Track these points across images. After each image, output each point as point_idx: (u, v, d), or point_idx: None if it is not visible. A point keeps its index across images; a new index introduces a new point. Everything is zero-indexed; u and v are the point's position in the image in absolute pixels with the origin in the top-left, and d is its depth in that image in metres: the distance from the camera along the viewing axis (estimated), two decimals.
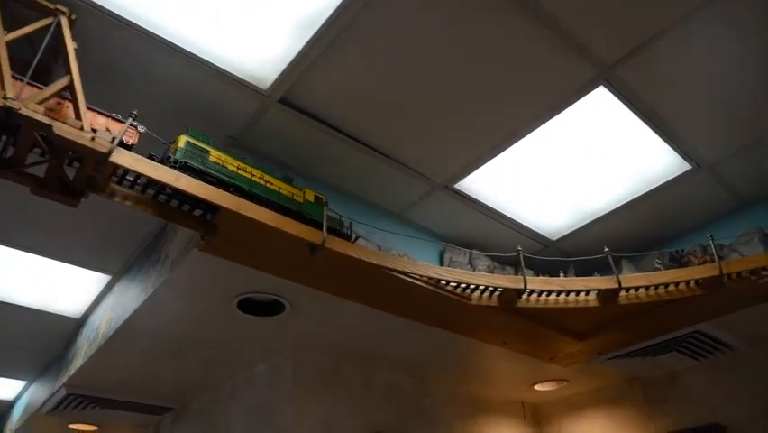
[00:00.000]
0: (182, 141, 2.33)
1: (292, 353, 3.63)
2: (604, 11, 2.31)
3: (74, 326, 4.49)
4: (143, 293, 3.13)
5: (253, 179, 2.50)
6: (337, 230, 2.69)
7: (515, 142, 2.94)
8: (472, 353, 3.86)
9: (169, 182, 2.19)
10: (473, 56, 2.48)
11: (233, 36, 2.37)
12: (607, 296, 3.12)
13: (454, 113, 2.77)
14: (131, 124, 2.16)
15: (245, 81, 2.55)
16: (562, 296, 3.13)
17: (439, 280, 2.89)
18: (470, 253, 3.54)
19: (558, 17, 2.31)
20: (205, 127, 2.74)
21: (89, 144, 1.98)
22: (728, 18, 2.36)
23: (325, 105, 2.71)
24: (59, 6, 2.18)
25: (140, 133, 2.20)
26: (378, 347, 3.73)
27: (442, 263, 3.50)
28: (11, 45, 1.98)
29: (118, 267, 3.81)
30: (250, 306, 3.15)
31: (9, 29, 2.02)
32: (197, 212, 2.42)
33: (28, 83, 1.97)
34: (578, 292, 3.12)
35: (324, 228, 2.54)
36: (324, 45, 2.38)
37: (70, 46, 2.08)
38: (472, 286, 2.97)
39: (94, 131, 2.03)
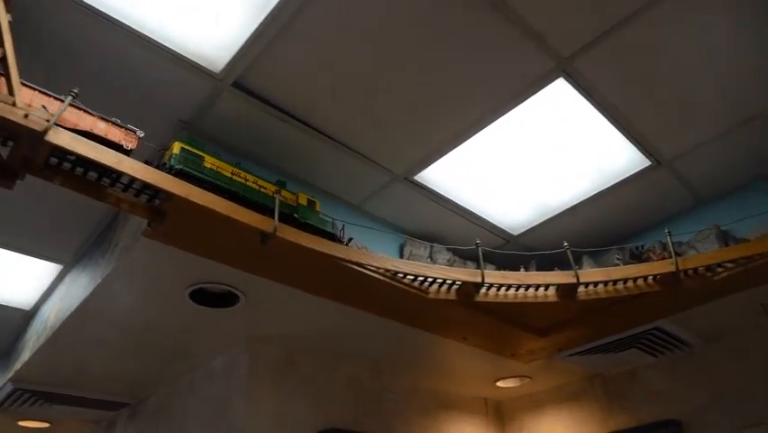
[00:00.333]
0: (177, 147, 2.35)
1: (248, 346, 3.56)
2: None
3: (24, 317, 4.33)
4: (92, 283, 3.03)
5: (247, 183, 2.54)
6: (290, 216, 2.64)
7: (474, 133, 2.90)
8: (433, 348, 3.83)
9: (111, 165, 2.10)
10: (431, 44, 2.43)
11: (183, 16, 2.28)
12: (565, 291, 3.11)
13: (413, 102, 2.72)
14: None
15: (197, 63, 2.46)
16: (521, 291, 3.11)
17: (396, 273, 2.84)
18: (431, 246, 3.50)
19: (515, 6, 2.27)
20: (156, 111, 2.68)
21: (22, 122, 1.88)
22: (691, 11, 2.34)
23: (280, 91, 2.64)
24: None
25: (138, 138, 2.20)
26: (336, 341, 3.67)
27: (402, 257, 3.45)
28: None
29: (70, 257, 3.68)
30: (203, 297, 3.07)
31: None
32: (144, 197, 2.33)
33: None
34: (537, 287, 3.11)
35: (276, 216, 2.47)
36: (278, 28, 2.31)
37: (4, 18, 1.97)
38: (430, 279, 2.93)
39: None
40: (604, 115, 2.80)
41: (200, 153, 2.43)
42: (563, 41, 2.44)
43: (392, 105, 2.74)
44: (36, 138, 1.93)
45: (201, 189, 2.31)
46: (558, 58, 2.51)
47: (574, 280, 3.02)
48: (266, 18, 2.27)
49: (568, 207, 3.48)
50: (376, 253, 2.86)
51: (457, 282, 2.99)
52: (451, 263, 3.51)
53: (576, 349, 3.88)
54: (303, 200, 2.74)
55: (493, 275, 3.01)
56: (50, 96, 2.04)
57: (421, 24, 2.35)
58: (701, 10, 2.35)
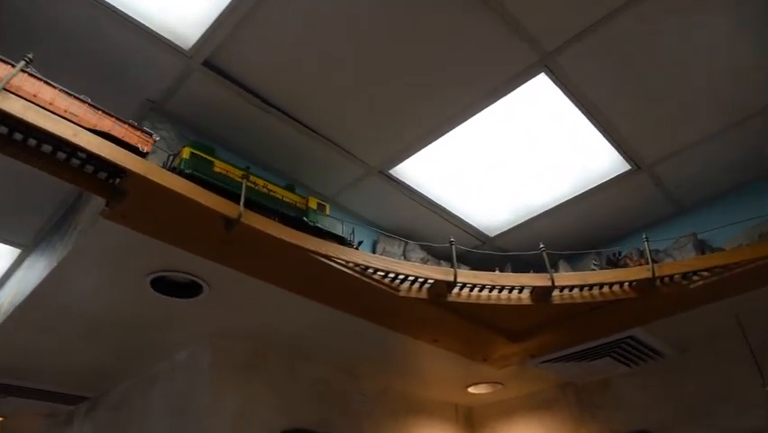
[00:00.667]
0: (186, 152, 2.37)
1: (212, 340, 3.43)
2: None
3: None
4: (47, 267, 2.88)
5: (256, 188, 2.56)
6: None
7: (453, 127, 2.83)
8: (405, 349, 3.73)
9: (67, 137, 1.98)
10: (411, 34, 2.36)
11: None
12: (540, 294, 3.04)
13: (390, 93, 2.64)
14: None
15: (166, 39, 2.36)
16: (495, 292, 3.03)
17: (366, 268, 2.74)
18: (405, 244, 3.41)
19: None
20: (122, 88, 2.56)
21: None
22: (682, 8, 2.29)
23: (253, 73, 2.54)
24: None
25: (155, 141, 2.24)
26: (305, 338, 3.55)
27: (374, 253, 3.36)
28: None
29: (29, 240, 3.53)
30: (165, 286, 2.94)
31: None
32: (102, 174, 2.21)
33: None
34: (510, 289, 3.03)
35: (242, 201, 2.37)
36: (252, 3, 2.21)
37: None
38: (401, 276, 2.83)
39: None
40: (584, 114, 2.75)
41: (210, 158, 2.44)
42: (547, 34, 2.38)
43: (369, 95, 2.66)
44: None
45: (163, 169, 2.20)
46: (541, 52, 2.45)
47: (549, 284, 2.95)
48: None
49: (545, 209, 3.42)
50: (346, 247, 2.75)
51: (429, 281, 2.90)
52: (424, 262, 3.43)
53: (549, 356, 3.80)
54: (313, 204, 2.76)
55: (466, 274, 2.92)
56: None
57: (401, 13, 2.27)
58: (694, 7, 2.29)
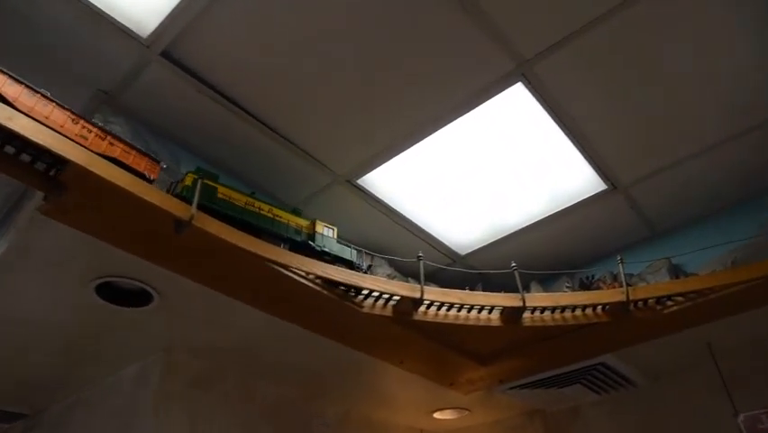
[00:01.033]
0: (189, 179, 2.32)
1: (163, 355, 3.20)
2: None
3: None
4: None
5: (261, 213, 2.53)
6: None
7: (424, 137, 2.71)
8: (369, 371, 3.54)
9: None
10: (382, 34, 2.24)
11: None
12: (510, 315, 2.91)
13: (359, 96, 2.51)
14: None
15: (121, 24, 2.19)
16: (463, 312, 2.89)
17: (327, 281, 2.57)
18: (371, 258, 3.26)
19: None
20: (73, 78, 2.39)
21: None
22: (669, 19, 2.21)
23: (215, 67, 2.38)
24: None
25: (162, 168, 2.25)
26: (263, 355, 3.34)
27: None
28: None
29: None
30: (112, 293, 2.72)
31: None
32: (40, 165, 2.02)
33: None
34: (480, 309, 2.89)
35: (195, 203, 2.20)
36: None
37: None
38: (365, 291, 2.68)
39: None
40: (561, 128, 2.66)
41: (213, 184, 2.41)
42: (526, 41, 2.28)
43: (337, 98, 2.52)
44: None
45: (107, 161, 2.02)
46: (518, 59, 2.34)
47: (520, 304, 2.83)
48: None
49: (519, 228, 3.31)
50: (307, 258, 2.58)
51: (394, 297, 2.74)
52: (391, 278, 3.27)
53: (518, 382, 3.66)
54: (320, 228, 2.72)
55: (433, 292, 2.78)
56: None
57: (373, 10, 2.15)
58: (683, 20, 2.22)
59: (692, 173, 2.98)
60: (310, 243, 2.64)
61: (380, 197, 3.07)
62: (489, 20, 2.18)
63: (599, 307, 2.95)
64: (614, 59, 2.38)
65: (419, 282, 2.78)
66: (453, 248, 3.47)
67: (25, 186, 2.42)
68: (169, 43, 2.26)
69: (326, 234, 2.74)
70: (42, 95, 1.96)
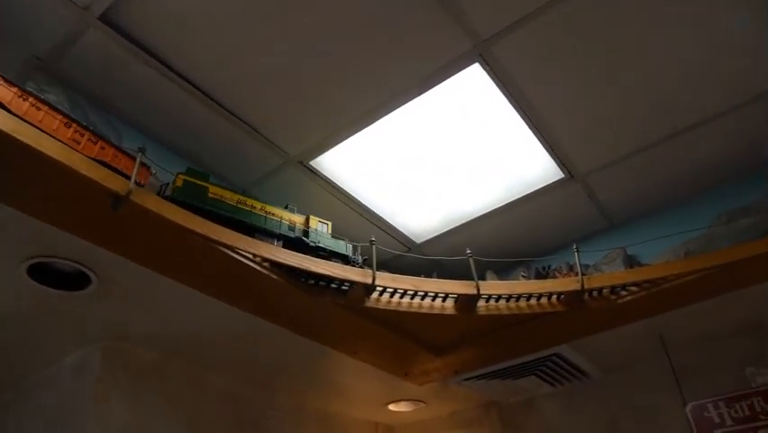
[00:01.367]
0: (180, 180, 2.36)
1: (104, 343, 3.04)
2: None
3: None
4: None
5: (253, 211, 2.54)
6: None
7: (380, 117, 2.62)
8: (322, 361, 3.45)
9: None
10: (337, 5, 2.15)
11: None
12: (465, 303, 2.86)
13: (313, 72, 2.41)
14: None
15: None
16: (417, 299, 2.82)
17: (275, 264, 2.47)
18: None
19: None
20: (4, 41, 2.22)
21: None
22: (623, 7, 2.17)
23: (158, 34, 2.24)
24: None
25: (151, 174, 2.24)
26: (213, 345, 3.22)
27: None
28: None
29: None
30: (47, 275, 2.57)
31: None
32: None
33: None
34: (434, 297, 2.83)
35: (134, 177, 2.07)
36: None
37: None
38: (315, 276, 2.58)
39: None
40: (519, 112, 2.60)
41: (203, 184, 2.42)
42: (482, 20, 2.20)
43: (290, 75, 2.42)
44: None
45: (39, 131, 1.88)
46: (475, 39, 2.28)
47: (474, 292, 2.77)
48: None
49: (476, 216, 3.25)
50: (255, 240, 2.47)
51: (345, 283, 2.66)
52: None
53: (473, 373, 3.63)
54: (314, 224, 2.72)
55: (385, 278, 2.70)
56: None
57: None
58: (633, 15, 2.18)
59: (651, 164, 2.96)
60: (303, 239, 2.63)
61: (334, 180, 2.97)
62: None
63: (554, 296, 2.92)
64: (574, 43, 2.33)
65: (370, 267, 2.70)
66: (409, 236, 3.41)
67: None
68: (108, 6, 2.11)
69: (320, 229, 2.73)
70: None
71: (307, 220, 2.72)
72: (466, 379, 3.70)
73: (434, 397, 4.11)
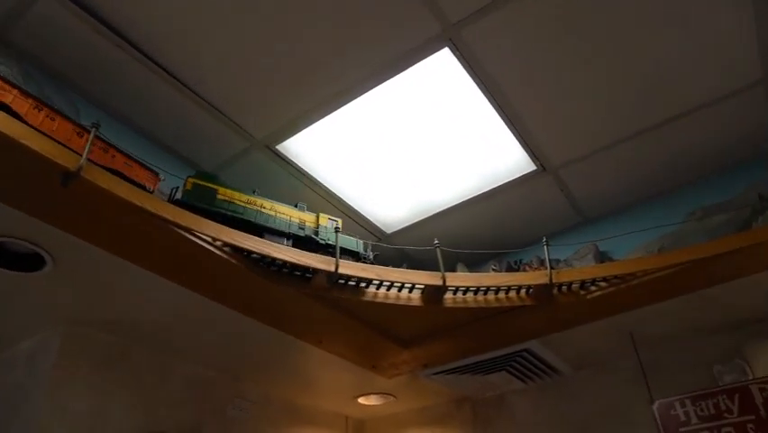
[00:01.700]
0: (189, 184, 2.43)
1: (62, 327, 2.95)
2: None
3: None
4: None
5: (262, 210, 2.58)
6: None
7: (348, 101, 2.55)
8: (290, 351, 3.37)
9: None
10: None
11: None
12: (431, 295, 2.80)
13: (279, 53, 2.34)
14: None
15: None
16: (382, 289, 2.76)
17: (235, 248, 2.40)
18: None
19: None
20: None
21: None
22: None
23: (114, 4, 2.15)
24: None
25: (160, 180, 2.31)
26: (176, 332, 3.13)
27: None
28: None
29: None
30: (1, 256, 2.48)
31: None
32: None
33: None
34: (400, 288, 2.77)
35: (86, 153, 1.99)
36: None
37: None
38: (278, 262, 2.52)
39: None
40: (490, 100, 2.54)
41: (213, 186, 2.48)
42: (451, 3, 2.14)
43: (254, 56, 2.35)
44: None
45: None
46: (445, 22, 2.22)
47: (440, 283, 2.72)
48: None
49: (446, 207, 3.20)
50: (214, 222, 2.39)
51: (309, 271, 2.59)
52: None
53: (442, 367, 3.57)
54: (323, 221, 2.75)
55: (349, 266, 2.63)
56: None
57: None
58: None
59: (625, 159, 2.93)
60: (313, 237, 2.66)
61: (302, 166, 2.91)
62: None
63: (523, 289, 2.87)
64: (548, 31, 2.28)
65: (334, 255, 2.64)
66: (380, 226, 3.35)
67: None
68: None
69: (330, 226, 2.73)
70: None
71: (318, 218, 2.74)
72: (435, 373, 3.65)
73: (405, 391, 4.06)
